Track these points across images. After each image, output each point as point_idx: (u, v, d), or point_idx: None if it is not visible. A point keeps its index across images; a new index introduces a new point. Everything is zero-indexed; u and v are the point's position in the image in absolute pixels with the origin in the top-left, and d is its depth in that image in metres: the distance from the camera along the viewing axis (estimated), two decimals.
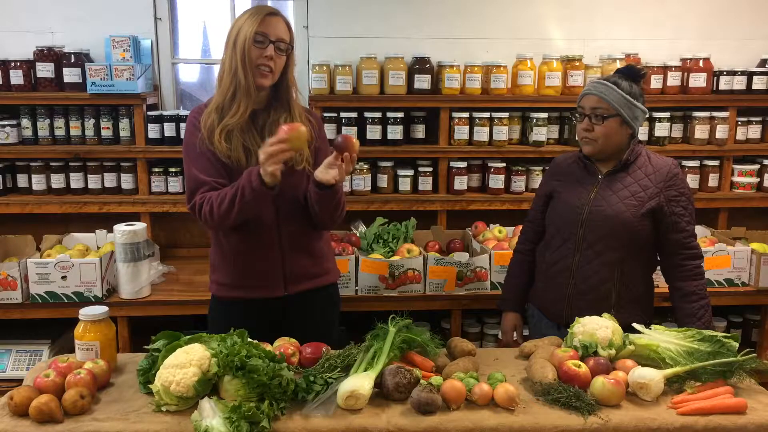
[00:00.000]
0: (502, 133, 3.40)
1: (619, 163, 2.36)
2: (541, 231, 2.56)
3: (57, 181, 3.34)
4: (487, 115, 3.40)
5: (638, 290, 2.39)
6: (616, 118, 2.30)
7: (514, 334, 2.65)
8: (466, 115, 3.41)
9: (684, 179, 2.36)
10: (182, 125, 3.30)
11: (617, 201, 2.32)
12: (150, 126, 3.30)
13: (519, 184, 3.46)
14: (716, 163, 3.56)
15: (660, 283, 2.53)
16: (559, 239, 2.44)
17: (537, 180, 3.46)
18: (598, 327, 2.00)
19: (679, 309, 2.35)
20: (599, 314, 2.13)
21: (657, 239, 2.37)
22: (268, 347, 1.93)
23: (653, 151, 2.43)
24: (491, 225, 3.43)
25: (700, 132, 3.51)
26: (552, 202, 2.50)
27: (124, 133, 3.32)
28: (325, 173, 2.11)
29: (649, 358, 1.95)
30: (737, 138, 3.57)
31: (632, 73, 2.35)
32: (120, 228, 2.90)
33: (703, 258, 2.38)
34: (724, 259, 3.14)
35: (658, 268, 2.45)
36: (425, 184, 3.43)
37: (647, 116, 2.42)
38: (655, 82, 3.45)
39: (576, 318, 2.08)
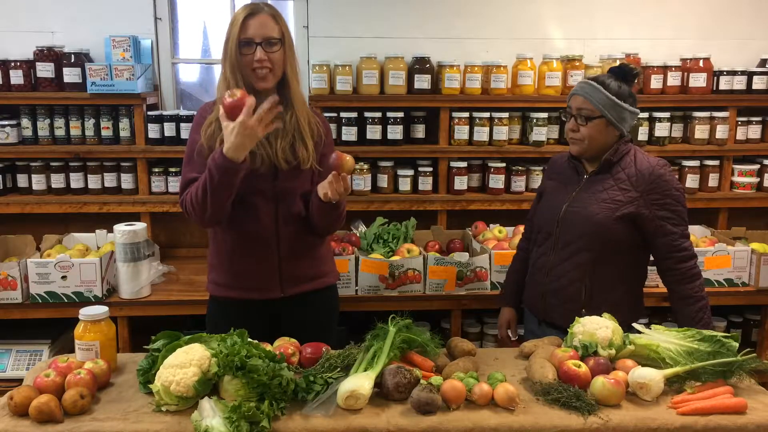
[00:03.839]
0: (502, 133, 3.40)
1: (601, 163, 2.33)
2: None
3: (57, 181, 3.34)
4: (487, 115, 3.40)
5: (616, 293, 2.36)
6: (601, 120, 2.27)
7: (509, 330, 2.67)
8: (466, 115, 3.41)
9: (670, 179, 2.28)
10: (182, 125, 3.30)
11: (593, 203, 2.31)
12: (150, 126, 3.30)
13: (519, 184, 3.46)
14: (716, 163, 3.56)
15: (659, 282, 2.52)
16: (541, 238, 2.46)
17: (537, 180, 3.47)
18: (598, 327, 2.00)
19: (677, 312, 2.34)
20: (571, 313, 2.16)
21: (642, 243, 2.34)
22: (268, 347, 1.93)
23: (644, 152, 2.38)
24: (491, 225, 3.43)
25: (700, 132, 3.52)
26: (540, 200, 2.53)
27: (124, 133, 3.32)
28: (322, 188, 2.12)
29: (649, 358, 1.95)
30: (737, 138, 3.57)
31: (624, 72, 2.31)
32: (120, 228, 2.90)
33: (696, 257, 2.33)
34: (724, 259, 3.14)
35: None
36: (425, 184, 3.43)
37: (638, 116, 2.38)
38: (655, 82, 3.45)
39: (576, 318, 2.08)
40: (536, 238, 2.50)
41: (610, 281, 2.35)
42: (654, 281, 2.50)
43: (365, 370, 1.82)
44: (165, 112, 3.36)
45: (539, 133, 3.43)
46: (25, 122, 3.31)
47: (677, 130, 3.56)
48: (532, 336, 2.44)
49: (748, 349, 1.96)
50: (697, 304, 2.29)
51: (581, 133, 2.30)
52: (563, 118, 2.41)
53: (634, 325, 2.08)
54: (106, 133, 3.32)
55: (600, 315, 2.19)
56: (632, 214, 2.27)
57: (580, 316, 2.12)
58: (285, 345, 2.00)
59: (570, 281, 2.36)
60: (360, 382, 1.74)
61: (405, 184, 3.44)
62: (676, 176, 2.63)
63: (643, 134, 3.48)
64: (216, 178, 1.99)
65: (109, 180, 3.36)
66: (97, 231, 3.36)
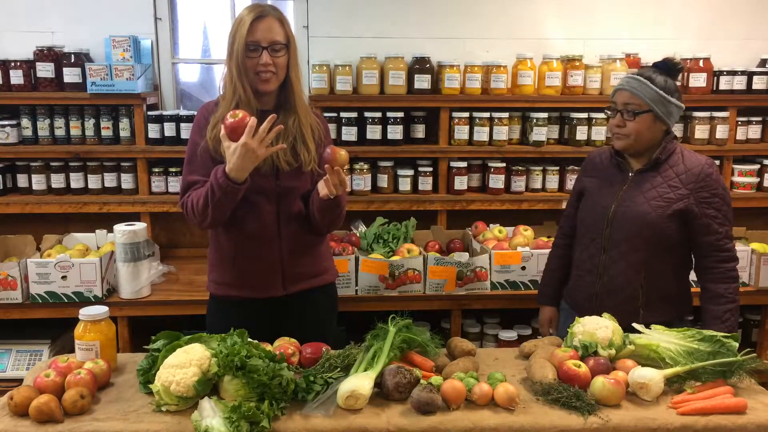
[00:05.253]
0: (502, 133, 3.40)
1: (650, 161, 2.32)
2: (576, 226, 2.54)
3: (57, 181, 3.34)
4: (487, 115, 3.40)
5: (670, 289, 2.36)
6: (648, 114, 2.26)
7: (550, 329, 2.65)
8: (466, 115, 3.41)
9: (718, 179, 2.29)
10: (182, 125, 3.30)
11: (644, 201, 2.29)
12: (150, 126, 3.30)
13: (519, 184, 3.46)
14: (716, 163, 3.54)
15: None
16: (587, 238, 2.43)
17: (537, 180, 3.47)
18: (598, 327, 2.00)
19: (705, 311, 2.32)
20: (628, 314, 2.14)
21: (689, 239, 2.32)
22: (268, 347, 1.93)
23: (689, 150, 2.37)
24: (491, 225, 3.42)
25: (700, 132, 3.51)
26: (582, 199, 2.49)
27: (124, 133, 3.32)
28: (321, 187, 2.15)
29: (649, 358, 1.95)
30: (737, 138, 3.57)
31: (668, 67, 2.31)
32: (120, 228, 2.90)
33: (737, 260, 2.31)
34: None
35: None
36: (425, 184, 3.43)
37: (683, 110, 2.36)
38: None
39: (576, 318, 2.08)
40: (581, 239, 2.47)
41: (665, 279, 2.34)
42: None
43: (365, 370, 1.82)
44: (165, 112, 3.36)
45: (539, 133, 3.43)
46: (25, 122, 3.31)
47: (677, 130, 3.55)
48: None
49: (748, 349, 1.96)
50: (728, 305, 2.27)
51: (628, 128, 2.28)
52: (606, 114, 2.38)
53: (634, 324, 2.08)
54: (106, 133, 3.32)
55: (656, 312, 2.18)
56: (682, 211, 2.26)
57: (637, 315, 2.11)
58: (285, 345, 2.00)
59: (627, 282, 2.33)
60: (360, 382, 1.75)
61: (405, 184, 3.43)
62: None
63: None
64: (218, 195, 2.04)
65: (109, 180, 3.36)
66: (97, 231, 3.36)
